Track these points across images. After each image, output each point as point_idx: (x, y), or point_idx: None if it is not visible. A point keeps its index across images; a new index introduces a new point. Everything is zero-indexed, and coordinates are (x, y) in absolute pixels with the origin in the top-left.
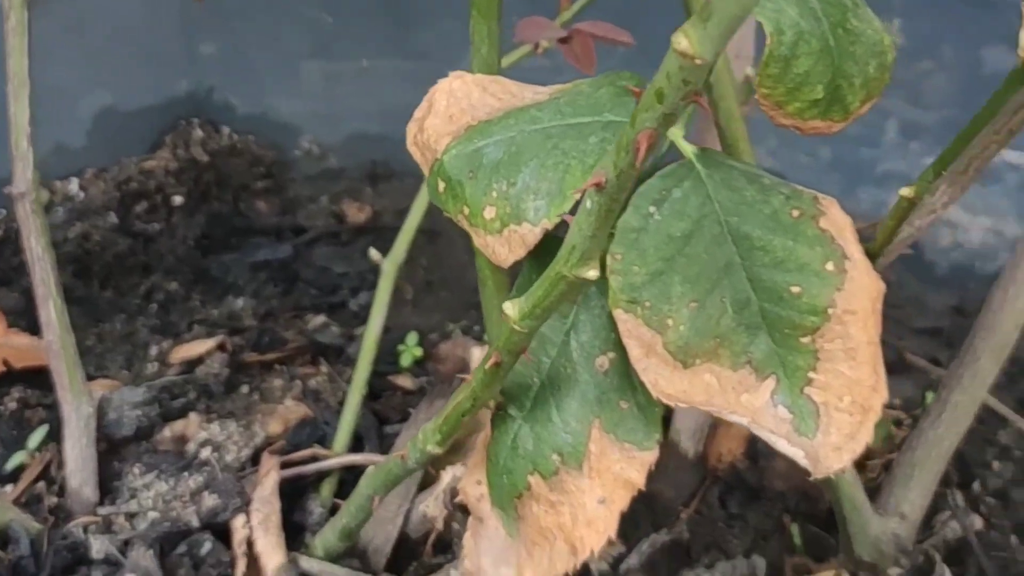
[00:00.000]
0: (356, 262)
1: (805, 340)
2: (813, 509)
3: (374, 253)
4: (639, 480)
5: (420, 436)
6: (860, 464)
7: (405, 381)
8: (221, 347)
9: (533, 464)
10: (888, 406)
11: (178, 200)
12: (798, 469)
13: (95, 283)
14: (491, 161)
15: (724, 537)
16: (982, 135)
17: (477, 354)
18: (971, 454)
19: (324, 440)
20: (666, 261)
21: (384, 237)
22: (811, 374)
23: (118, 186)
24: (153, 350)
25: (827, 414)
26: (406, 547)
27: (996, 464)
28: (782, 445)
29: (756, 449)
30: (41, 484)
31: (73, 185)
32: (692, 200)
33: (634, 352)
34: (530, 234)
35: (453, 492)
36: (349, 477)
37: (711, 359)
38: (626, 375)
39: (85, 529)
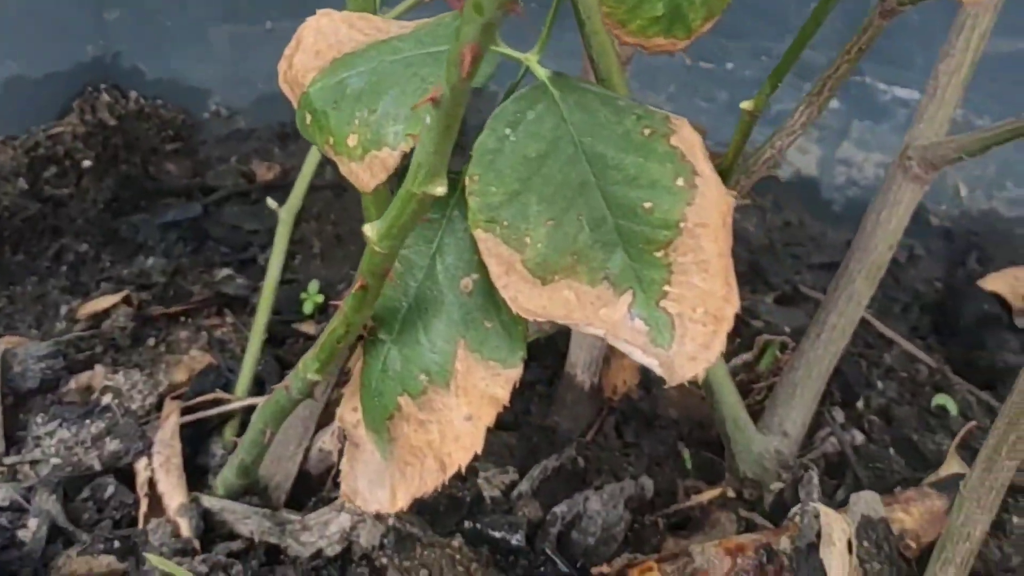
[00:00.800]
0: (266, 219)
1: (659, 254)
2: (705, 435)
3: (271, 202)
4: (504, 396)
5: (301, 366)
6: (745, 387)
7: (308, 328)
8: (127, 301)
9: (402, 385)
10: (778, 332)
11: (87, 164)
12: (691, 397)
13: (6, 247)
14: (354, 91)
15: (619, 464)
16: (839, 59)
17: None
18: (855, 375)
19: (228, 386)
20: (523, 181)
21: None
22: (666, 287)
23: (27, 152)
24: (63, 309)
25: (682, 325)
26: (306, 484)
27: (880, 384)
28: (638, 355)
29: (650, 379)
30: None
31: None
32: (547, 122)
33: (494, 270)
34: (390, 158)
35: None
36: (250, 420)
37: (570, 275)
38: (490, 295)
39: None
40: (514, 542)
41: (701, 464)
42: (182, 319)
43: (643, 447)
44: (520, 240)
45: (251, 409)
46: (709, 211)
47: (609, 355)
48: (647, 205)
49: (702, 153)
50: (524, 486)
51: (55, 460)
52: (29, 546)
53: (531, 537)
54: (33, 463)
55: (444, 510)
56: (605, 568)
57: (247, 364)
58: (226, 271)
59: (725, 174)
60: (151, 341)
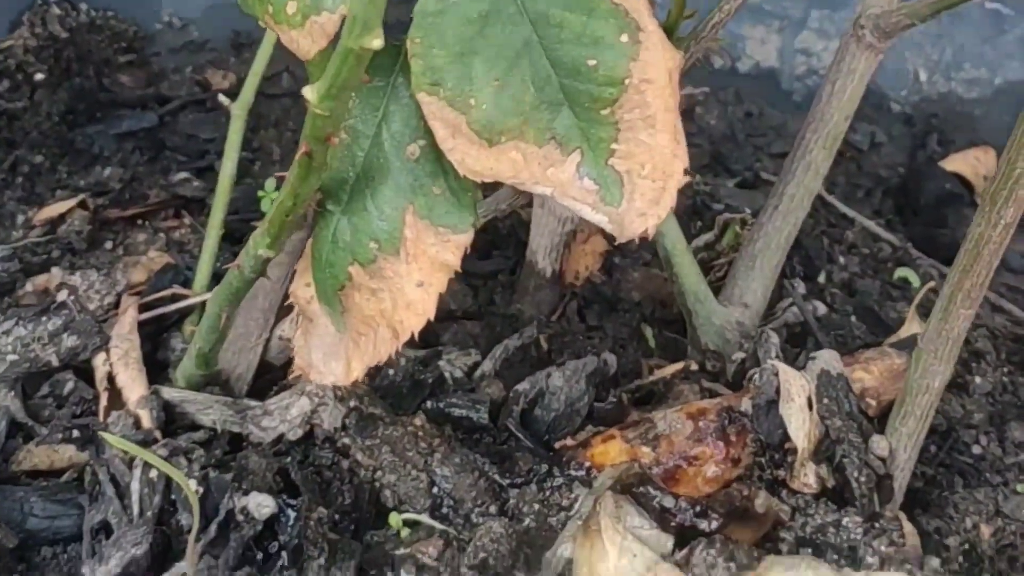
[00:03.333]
0: (222, 127)
1: (605, 112)
2: (668, 315)
3: (223, 99)
4: (455, 262)
5: (251, 242)
6: (708, 265)
7: None
8: (82, 205)
9: (352, 254)
10: (738, 211)
11: (40, 77)
12: (653, 279)
13: None
14: None
15: (583, 346)
16: None
17: None
18: (817, 250)
19: (187, 284)
20: (465, 43)
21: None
22: (613, 145)
23: None
24: (19, 219)
25: (631, 182)
26: (269, 374)
27: (842, 259)
28: (587, 213)
29: (612, 263)
30: None
31: None
32: None
33: (440, 134)
34: (329, 22)
35: None
36: None
37: (517, 137)
38: (437, 161)
39: None
40: (477, 419)
41: (665, 344)
42: (139, 222)
43: (606, 329)
44: (464, 103)
45: None
46: (654, 67)
47: (570, 241)
48: (592, 63)
49: (646, 10)
50: (487, 366)
51: (12, 357)
52: None
53: (494, 415)
54: None
55: (407, 392)
56: (569, 441)
57: (204, 260)
58: (183, 174)
59: (670, 31)
60: (108, 244)
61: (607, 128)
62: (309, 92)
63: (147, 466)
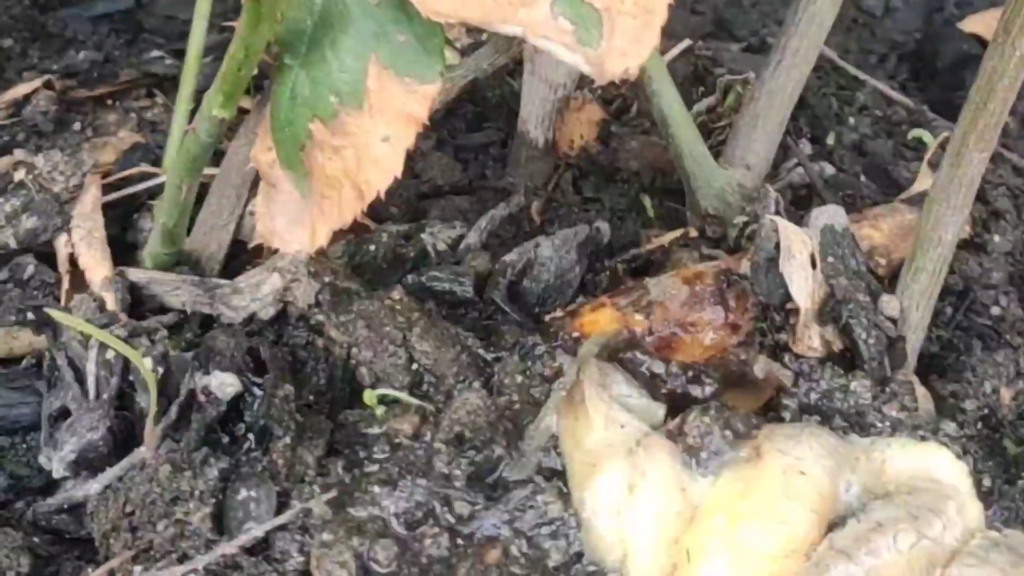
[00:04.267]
0: None
1: None
2: (668, 184)
3: None
4: (422, 114)
5: (205, 104)
6: (709, 128)
7: (243, 101)
8: (48, 86)
9: (312, 110)
10: (738, 73)
11: None
12: (653, 147)
13: None
14: None
15: (579, 219)
16: None
17: None
18: (824, 109)
19: (157, 164)
20: None
21: None
22: None
23: None
24: None
25: (610, 20)
26: (243, 253)
27: (853, 120)
28: (563, 54)
29: (609, 132)
30: None
31: None
32: None
33: None
34: None
35: None
36: None
37: None
38: (400, 7)
39: None
40: (460, 292)
41: (666, 214)
42: (110, 102)
43: (604, 201)
44: None
45: None
46: None
47: (563, 108)
48: None
49: None
50: (472, 238)
51: None
52: None
53: (480, 289)
54: None
55: (387, 267)
56: (559, 313)
57: (174, 136)
58: (155, 53)
59: None
60: (76, 126)
61: None
62: None
63: (103, 347)
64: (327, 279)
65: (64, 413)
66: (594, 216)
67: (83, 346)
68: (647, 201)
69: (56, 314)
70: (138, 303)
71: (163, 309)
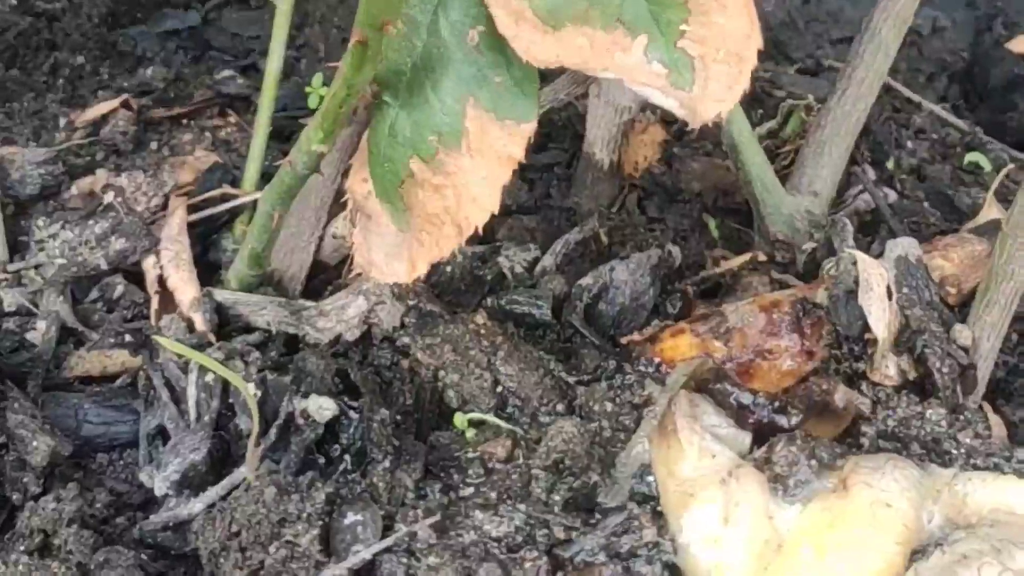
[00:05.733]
0: (267, 25)
1: None
2: (731, 205)
3: None
4: (519, 154)
5: (304, 138)
6: (772, 153)
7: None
8: (126, 105)
9: (413, 149)
10: (801, 98)
11: None
12: (715, 169)
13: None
14: None
15: (644, 239)
16: None
17: None
18: (885, 135)
19: (236, 184)
20: None
21: None
22: (684, 27)
23: None
24: (62, 122)
25: (703, 66)
26: (322, 273)
27: (911, 144)
28: (658, 98)
29: (672, 153)
30: None
31: None
32: None
33: (502, 20)
34: None
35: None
36: None
37: (582, 22)
38: (499, 49)
39: None
40: (539, 315)
41: (728, 234)
42: (185, 122)
43: (667, 221)
44: None
45: None
46: None
47: (628, 131)
48: None
49: None
50: (547, 261)
51: (60, 261)
52: (39, 347)
53: (557, 311)
54: (38, 267)
55: (465, 289)
56: (636, 336)
57: (253, 157)
58: (227, 72)
59: None
60: (153, 145)
61: (677, 10)
62: None
63: (203, 370)
64: (411, 302)
65: (161, 432)
66: (659, 236)
67: (180, 368)
68: (711, 222)
69: (163, 341)
70: (224, 323)
71: (248, 328)
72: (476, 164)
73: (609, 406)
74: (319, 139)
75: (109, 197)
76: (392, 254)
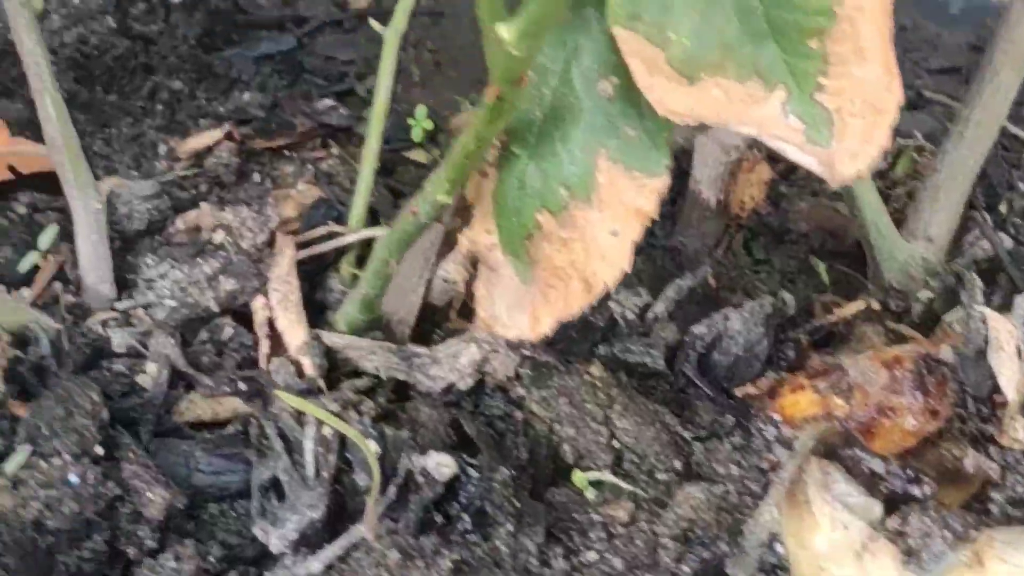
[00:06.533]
0: (361, 48)
1: (813, 44)
2: (839, 247)
3: (375, 24)
4: (650, 208)
5: (428, 187)
6: (884, 194)
7: (418, 155)
8: (229, 136)
9: (541, 201)
10: (908, 137)
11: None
12: (822, 208)
13: (97, 88)
14: None
15: (751, 281)
16: None
17: None
18: (996, 177)
19: (340, 219)
20: None
21: (388, 22)
22: (821, 79)
23: None
24: (162, 149)
25: (840, 120)
26: (430, 316)
27: (1022, 185)
28: (795, 154)
29: (779, 193)
30: (57, 285)
31: None
32: None
33: (637, 71)
34: None
35: (469, 254)
36: (367, 253)
37: (717, 72)
38: (631, 100)
39: (104, 325)
40: (652, 365)
41: (837, 278)
42: (286, 153)
43: (774, 263)
44: (663, 36)
45: (368, 242)
46: None
47: (735, 170)
48: None
49: None
50: (659, 308)
51: (170, 302)
52: (150, 392)
53: (669, 360)
54: (147, 307)
55: (577, 336)
56: (751, 389)
57: (360, 195)
58: (328, 102)
59: None
60: (256, 177)
61: (814, 61)
62: (505, 31)
63: (321, 424)
64: (525, 351)
65: (274, 483)
66: (766, 278)
67: (294, 418)
68: (821, 266)
69: (284, 396)
70: (332, 366)
71: (357, 373)
72: (605, 217)
73: (735, 469)
74: (444, 190)
75: (219, 236)
76: (515, 307)
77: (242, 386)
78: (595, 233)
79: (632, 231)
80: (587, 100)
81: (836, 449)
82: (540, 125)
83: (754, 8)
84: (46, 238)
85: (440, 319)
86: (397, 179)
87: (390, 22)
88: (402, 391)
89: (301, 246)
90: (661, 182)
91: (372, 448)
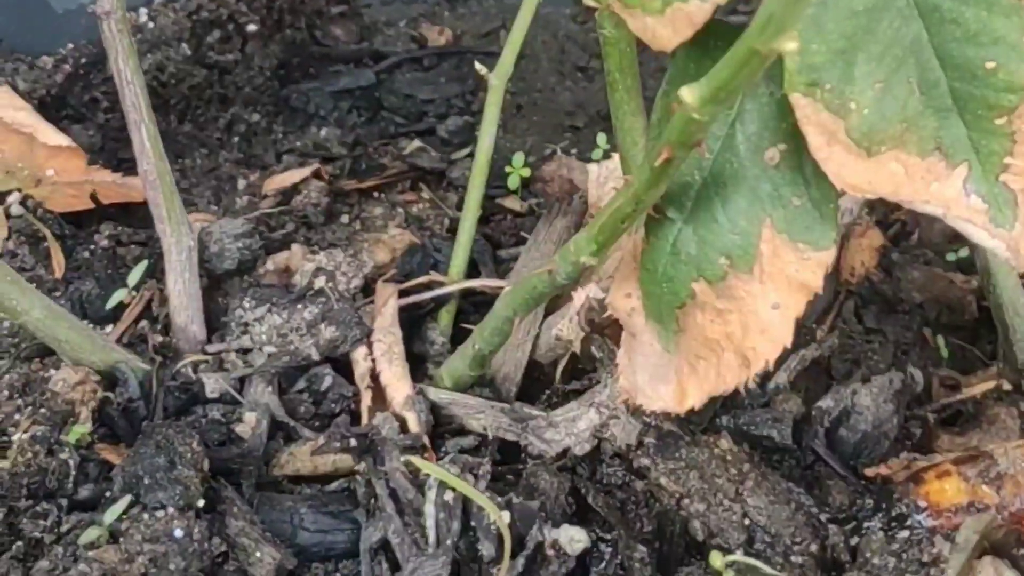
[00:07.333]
0: (441, 87)
1: (1000, 121)
2: (956, 320)
3: (480, 68)
4: (815, 283)
5: (572, 247)
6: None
7: (513, 203)
8: (317, 175)
9: (698, 269)
10: None
11: (252, 28)
12: (938, 279)
13: (172, 117)
14: None
15: (863, 352)
16: None
17: (594, 172)
18: None
19: (437, 267)
20: (848, 39)
21: (468, 61)
22: (1007, 159)
23: (189, 15)
24: (241, 183)
25: None
26: (535, 373)
27: None
28: (978, 236)
29: (890, 260)
30: (144, 323)
31: (142, 16)
32: None
33: (814, 140)
34: (699, 11)
35: (588, 313)
36: (466, 304)
37: (897, 146)
38: (798, 168)
39: (195, 368)
40: (779, 440)
41: (954, 352)
42: (375, 194)
43: (887, 333)
44: (844, 106)
45: (468, 293)
46: None
47: (847, 234)
48: (989, 65)
49: None
50: (781, 378)
51: (269, 349)
52: (249, 442)
53: (796, 434)
54: (242, 351)
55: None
56: (884, 469)
57: (460, 245)
58: (416, 142)
59: None
60: (344, 218)
61: (1001, 139)
62: (689, 94)
63: (443, 488)
64: (648, 419)
65: (383, 545)
66: (878, 348)
67: (407, 477)
68: (940, 341)
69: (419, 462)
70: (436, 422)
71: (462, 431)
72: (767, 290)
73: (891, 560)
74: (591, 252)
75: (320, 282)
76: (658, 377)
77: (353, 442)
78: (756, 306)
79: (796, 305)
80: (752, 167)
81: (1002, 545)
82: (699, 189)
83: (938, 80)
84: (135, 275)
85: (546, 377)
86: (494, 227)
87: (496, 66)
88: (509, 451)
89: (400, 295)
90: (827, 255)
91: (505, 519)
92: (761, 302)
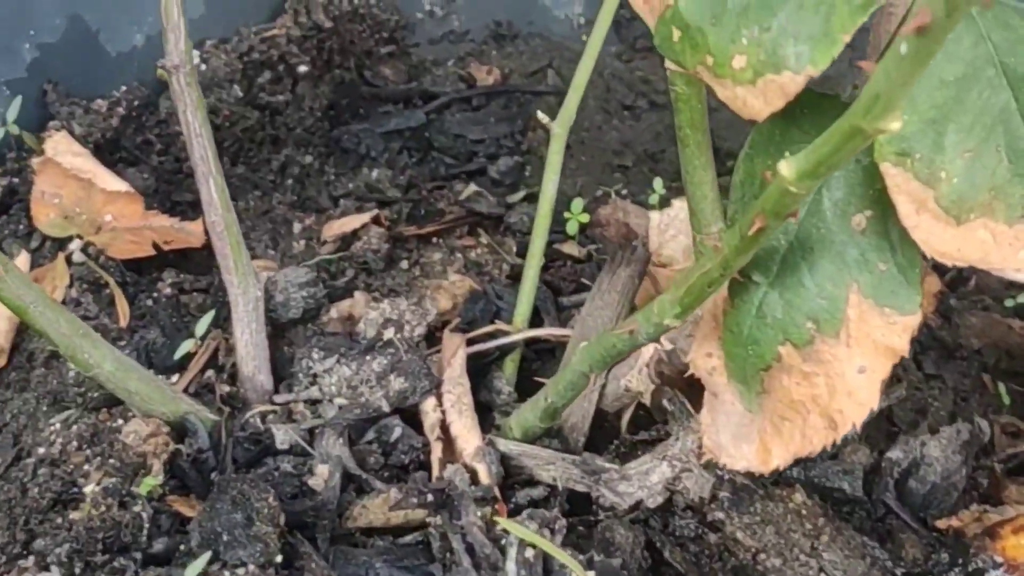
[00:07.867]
0: (490, 127)
1: None
2: (1015, 366)
3: (542, 116)
4: (902, 347)
5: (655, 308)
6: None
7: (571, 249)
8: (376, 221)
9: (784, 333)
10: None
11: (303, 69)
12: (996, 326)
13: (225, 159)
14: (738, 4)
15: (923, 399)
16: None
17: (655, 219)
18: None
19: (499, 315)
20: (938, 108)
21: (516, 100)
22: None
23: (240, 57)
24: (296, 227)
25: None
26: (601, 422)
27: None
28: None
29: (949, 306)
30: (210, 372)
31: (195, 58)
32: (964, 41)
33: (903, 208)
34: (792, 83)
35: (657, 365)
36: (528, 352)
37: (985, 214)
38: (884, 234)
39: (264, 418)
40: (850, 492)
41: (1015, 398)
42: (434, 239)
43: (945, 379)
44: (934, 175)
45: (532, 342)
46: None
47: None
48: None
49: None
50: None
51: (340, 400)
52: (323, 495)
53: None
54: (310, 402)
55: None
56: (955, 521)
57: (524, 293)
58: (472, 187)
59: None
60: (404, 264)
61: None
62: (786, 168)
63: (523, 545)
64: (721, 472)
65: None
66: (937, 395)
67: (482, 531)
68: (1002, 388)
69: (503, 521)
70: (505, 473)
71: (531, 482)
72: (853, 354)
73: None
74: (675, 314)
75: (389, 333)
76: (740, 437)
77: (430, 497)
78: (842, 369)
79: (882, 369)
80: (839, 232)
81: None
82: (785, 254)
83: None
84: (202, 325)
85: (612, 428)
86: (554, 274)
87: (559, 113)
88: (580, 502)
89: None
90: (914, 319)
91: None
92: (848, 366)
